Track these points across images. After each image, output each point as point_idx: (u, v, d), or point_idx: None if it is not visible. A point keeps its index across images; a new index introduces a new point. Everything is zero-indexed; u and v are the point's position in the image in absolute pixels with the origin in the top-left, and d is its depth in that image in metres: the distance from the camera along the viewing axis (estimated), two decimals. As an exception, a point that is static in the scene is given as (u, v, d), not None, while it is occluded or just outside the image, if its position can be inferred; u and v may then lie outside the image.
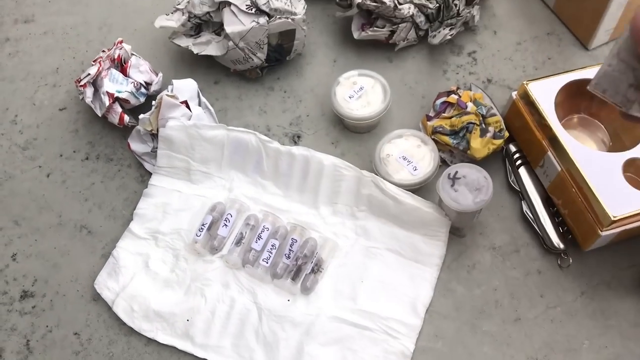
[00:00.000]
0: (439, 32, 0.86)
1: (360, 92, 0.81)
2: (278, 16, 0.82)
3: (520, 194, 0.78)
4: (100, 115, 0.82)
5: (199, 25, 0.87)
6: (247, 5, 0.81)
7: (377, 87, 0.82)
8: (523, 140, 0.79)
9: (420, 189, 0.76)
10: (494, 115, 0.77)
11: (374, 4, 0.83)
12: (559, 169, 0.72)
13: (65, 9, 1.00)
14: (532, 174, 0.78)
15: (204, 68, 0.91)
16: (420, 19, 0.86)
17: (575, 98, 0.77)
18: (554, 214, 0.75)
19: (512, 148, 0.80)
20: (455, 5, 0.86)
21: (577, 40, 0.89)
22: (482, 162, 0.75)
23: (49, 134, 0.87)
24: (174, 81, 0.81)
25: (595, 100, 0.78)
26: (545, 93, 0.75)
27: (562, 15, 0.91)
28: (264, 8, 0.81)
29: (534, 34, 0.91)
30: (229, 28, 0.81)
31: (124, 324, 0.72)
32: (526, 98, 0.76)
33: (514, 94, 0.78)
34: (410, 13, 0.85)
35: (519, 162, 0.79)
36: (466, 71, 0.88)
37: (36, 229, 0.80)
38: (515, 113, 0.78)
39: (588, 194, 0.69)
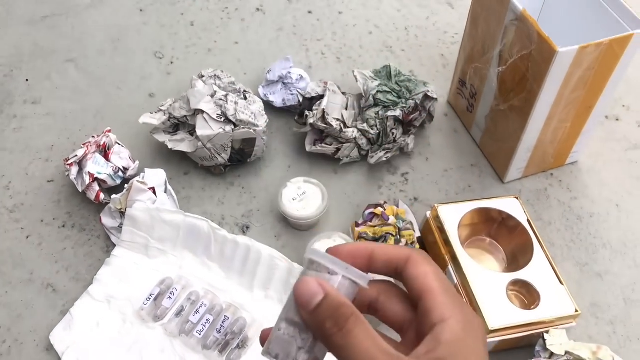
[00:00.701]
0: (377, 153, 1.02)
1: (303, 196, 0.96)
2: (242, 126, 0.98)
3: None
4: (80, 190, 0.96)
5: (176, 125, 1.03)
6: (217, 115, 0.97)
7: (317, 193, 0.97)
8: (432, 253, 0.92)
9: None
10: (407, 229, 0.92)
11: (324, 125, 0.99)
12: (455, 281, 0.86)
13: (69, 96, 1.17)
14: (437, 283, 0.91)
15: (177, 160, 1.06)
16: (362, 141, 1.02)
17: (480, 223, 0.92)
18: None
19: (424, 259, 0.93)
20: (393, 133, 1.02)
21: (495, 173, 1.05)
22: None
23: (34, 201, 1.01)
24: (146, 170, 0.96)
25: (495, 227, 0.93)
26: (452, 216, 0.90)
27: (485, 150, 1.08)
28: (231, 118, 0.97)
29: (460, 164, 1.07)
30: (200, 131, 0.97)
31: (69, 373, 0.83)
32: (437, 219, 0.90)
33: (428, 214, 0.93)
34: (354, 136, 1.01)
35: (428, 271, 0.92)
36: (397, 189, 1.03)
37: (8, 282, 0.93)
38: (428, 230, 0.92)
39: (475, 306, 0.82)
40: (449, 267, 0.87)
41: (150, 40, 1.28)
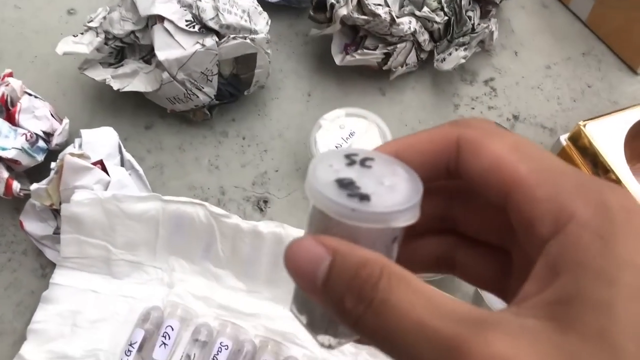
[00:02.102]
0: (450, 54, 0.64)
1: (351, 138, 0.59)
2: (232, 35, 0.58)
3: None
4: (-24, 182, 0.56)
5: (120, 49, 0.62)
6: (187, 22, 0.57)
7: (372, 131, 0.59)
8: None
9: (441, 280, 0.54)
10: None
11: (364, 17, 0.61)
12: None
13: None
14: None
15: (131, 108, 0.66)
16: (423, 37, 0.64)
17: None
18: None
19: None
20: (470, 17, 0.64)
21: (621, 62, 0.69)
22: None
23: None
24: (83, 132, 0.56)
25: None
26: (608, 137, 0.54)
27: (600, 30, 0.71)
28: (211, 25, 0.58)
29: (566, 54, 0.70)
30: (162, 54, 0.57)
31: None
32: (583, 144, 0.55)
33: (564, 139, 0.57)
34: (412, 29, 0.63)
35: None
36: (484, 105, 0.66)
37: None
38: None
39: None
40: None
41: None
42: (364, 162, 0.22)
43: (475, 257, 0.25)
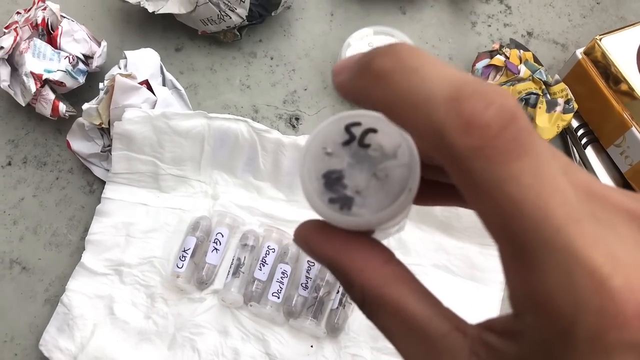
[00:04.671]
0: (469, -27, 0.67)
1: (378, 56, 0.62)
2: (262, -43, 0.60)
3: (591, 181, 0.61)
4: (23, 104, 0.59)
5: (151, -28, 0.64)
6: (219, -57, 0.59)
7: (398, 50, 0.62)
8: (591, 112, 0.62)
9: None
10: (558, 81, 0.60)
11: (388, -63, 0.63)
12: (648, 153, 0.56)
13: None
14: (602, 155, 0.62)
15: (160, 31, 0.68)
16: (444, -43, 0.66)
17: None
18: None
19: (574, 122, 0.63)
20: (488, -64, 0.66)
21: (630, -22, 0.72)
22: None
23: (-49, 132, 0.64)
24: (127, 53, 0.58)
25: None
26: (624, 51, 0.58)
27: (609, -53, 0.74)
28: (243, -54, 0.59)
29: (576, -29, 0.73)
30: (196, -25, 0.59)
31: (88, 400, 0.52)
32: (598, 58, 0.59)
33: (579, 53, 0.61)
34: (433, -51, 0.65)
35: (584, 140, 0.62)
36: (500, 23, 0.69)
37: (-54, 269, 0.58)
38: (580, 77, 0.61)
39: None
40: (632, 129, 0.57)
41: None
42: (363, 138, 0.21)
43: None
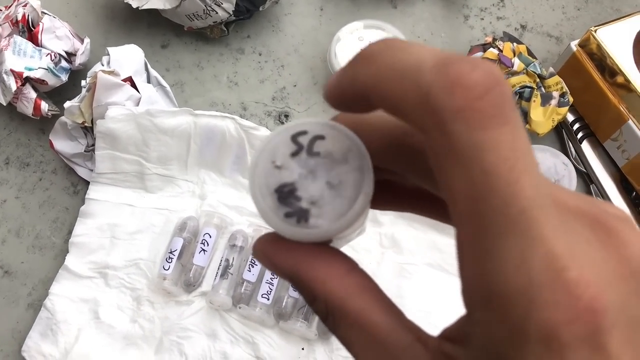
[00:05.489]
0: (461, -35, 0.65)
1: (368, 51, 0.60)
2: (249, -50, 0.59)
3: (587, 176, 0.60)
4: (4, 103, 0.57)
5: (135, -33, 0.62)
6: (204, -64, 0.57)
7: (389, 44, 0.61)
8: (587, 105, 0.60)
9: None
10: (552, 74, 0.58)
11: None
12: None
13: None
14: (598, 150, 0.60)
15: (145, 27, 0.67)
16: (435, -51, 0.65)
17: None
18: (633, 202, 0.58)
19: (570, 116, 0.61)
20: None
21: (624, -31, 0.71)
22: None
23: None
24: (110, 50, 0.57)
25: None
26: (619, 42, 0.57)
27: (603, -62, 0.72)
28: (228, -61, 0.58)
29: (570, -37, 0.71)
30: (181, -31, 0.57)
31: (73, 407, 0.51)
32: (593, 50, 0.57)
33: (574, 45, 0.59)
34: (424, -60, 0.63)
35: (580, 134, 0.61)
36: (493, 16, 0.68)
37: None
38: (575, 70, 0.59)
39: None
40: (629, 122, 0.56)
41: None
42: (312, 146, 0.20)
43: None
